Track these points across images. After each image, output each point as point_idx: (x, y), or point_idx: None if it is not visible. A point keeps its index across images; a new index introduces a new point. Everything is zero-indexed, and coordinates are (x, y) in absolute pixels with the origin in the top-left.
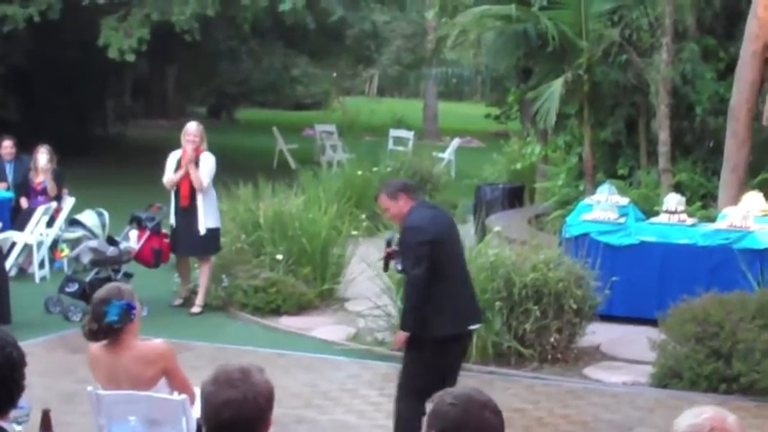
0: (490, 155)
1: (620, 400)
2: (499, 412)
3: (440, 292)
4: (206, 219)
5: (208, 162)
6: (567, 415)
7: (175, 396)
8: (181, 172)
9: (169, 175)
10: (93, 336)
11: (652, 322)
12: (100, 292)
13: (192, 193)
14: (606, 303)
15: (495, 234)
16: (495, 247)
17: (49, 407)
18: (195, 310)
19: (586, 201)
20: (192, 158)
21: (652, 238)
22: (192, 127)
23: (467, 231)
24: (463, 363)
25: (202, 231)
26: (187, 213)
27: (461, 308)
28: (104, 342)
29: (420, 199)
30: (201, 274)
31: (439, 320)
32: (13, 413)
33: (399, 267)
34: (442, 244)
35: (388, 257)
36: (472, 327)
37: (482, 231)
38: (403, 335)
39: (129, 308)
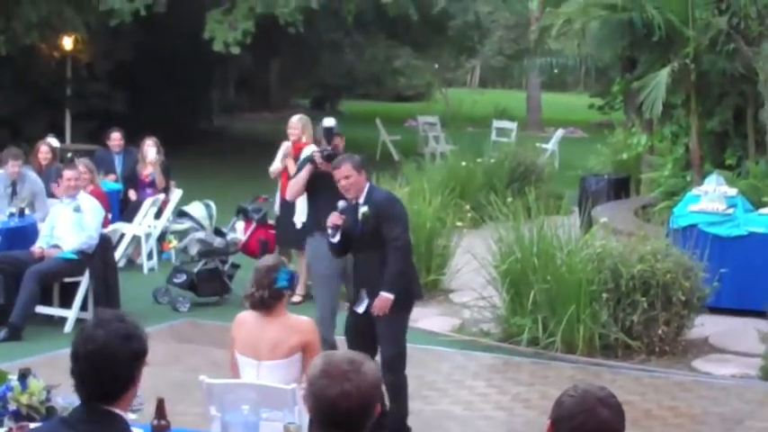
0: (594, 146)
1: (729, 393)
2: (617, 410)
3: (411, 258)
4: (302, 213)
5: None
6: (675, 407)
7: (285, 386)
8: (282, 163)
9: (275, 165)
10: (261, 303)
11: (761, 314)
12: (264, 263)
13: None
14: (715, 295)
15: (601, 225)
16: (601, 239)
17: (160, 396)
18: (295, 299)
19: (694, 191)
20: (289, 153)
21: (761, 230)
22: (294, 120)
23: (572, 222)
24: (570, 355)
25: (298, 225)
26: (286, 205)
27: None
28: (259, 312)
29: None
30: (299, 264)
31: (416, 283)
32: None
33: (337, 239)
34: None
35: (337, 227)
36: None
37: (588, 222)
38: (389, 299)
39: (293, 275)
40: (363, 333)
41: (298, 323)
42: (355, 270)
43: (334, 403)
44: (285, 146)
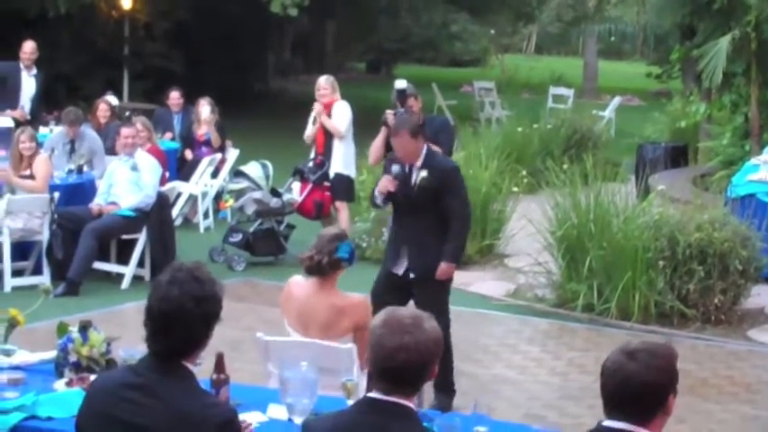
0: (650, 114)
1: None
2: (647, 364)
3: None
4: (336, 163)
5: (342, 109)
6: (730, 376)
7: (342, 345)
8: (316, 125)
9: (309, 130)
10: (317, 269)
11: None
12: (329, 230)
13: (327, 142)
14: None
15: (658, 193)
16: (658, 206)
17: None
18: None
19: (753, 161)
20: (321, 110)
21: None
22: (322, 80)
23: (629, 190)
24: (625, 321)
25: (331, 175)
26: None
27: None
28: (310, 280)
29: None
30: (339, 221)
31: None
32: None
33: (383, 202)
34: None
35: (388, 194)
36: None
37: (645, 190)
38: (452, 267)
39: (354, 251)
40: (395, 292)
41: (349, 306)
42: (400, 229)
43: (391, 354)
44: (316, 108)
